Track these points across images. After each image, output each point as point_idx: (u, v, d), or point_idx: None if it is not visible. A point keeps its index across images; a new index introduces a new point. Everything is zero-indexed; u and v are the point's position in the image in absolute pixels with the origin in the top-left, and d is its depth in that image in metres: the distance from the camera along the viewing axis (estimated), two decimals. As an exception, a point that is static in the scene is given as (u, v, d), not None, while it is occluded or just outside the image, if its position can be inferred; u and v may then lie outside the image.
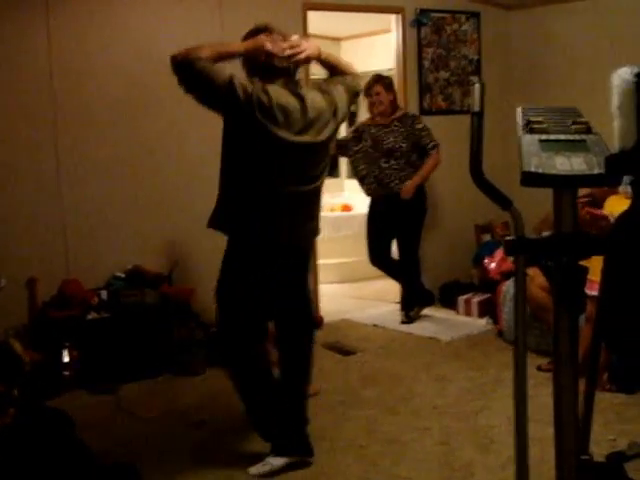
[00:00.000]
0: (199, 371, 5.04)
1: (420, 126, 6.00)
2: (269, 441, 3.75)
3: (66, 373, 4.78)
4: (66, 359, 4.78)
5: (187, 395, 4.72)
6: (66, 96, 5.12)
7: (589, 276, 4.09)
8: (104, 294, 5.07)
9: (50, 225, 5.12)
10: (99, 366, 4.84)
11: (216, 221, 3.71)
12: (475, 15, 6.92)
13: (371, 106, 6.07)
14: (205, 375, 5.03)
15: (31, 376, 3.93)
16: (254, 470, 3.63)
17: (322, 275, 6.36)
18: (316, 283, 6.13)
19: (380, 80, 6.07)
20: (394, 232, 6.17)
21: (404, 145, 5.93)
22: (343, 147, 6.25)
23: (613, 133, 2.42)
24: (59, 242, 5.14)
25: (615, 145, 2.42)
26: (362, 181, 6.14)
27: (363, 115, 6.81)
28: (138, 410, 4.45)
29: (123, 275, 5.19)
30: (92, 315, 4.93)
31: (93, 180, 5.24)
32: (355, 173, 6.27)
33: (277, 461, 3.65)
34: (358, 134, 6.16)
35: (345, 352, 5.48)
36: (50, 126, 5.08)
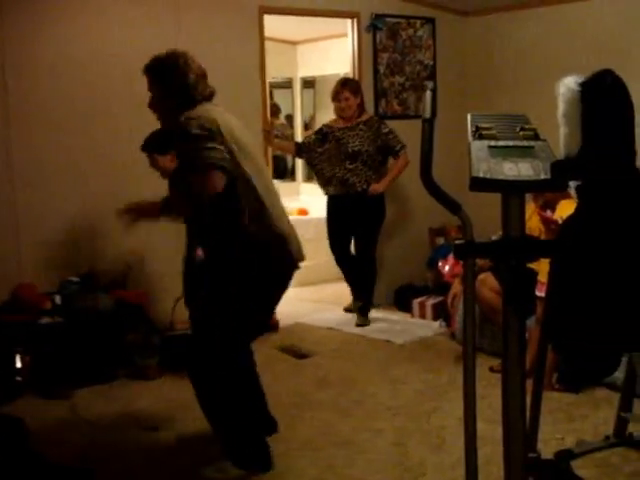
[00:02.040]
0: (153, 376, 5.02)
1: (387, 130, 6.06)
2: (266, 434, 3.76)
3: (19, 378, 4.73)
4: (19, 364, 4.73)
5: (141, 400, 4.70)
6: (19, 96, 5.08)
7: (539, 278, 4.16)
8: (58, 298, 5.03)
9: (3, 228, 5.07)
10: (53, 371, 4.79)
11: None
12: (430, 21, 6.99)
13: (340, 110, 6.10)
14: (159, 380, 5.01)
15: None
16: (208, 473, 3.61)
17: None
18: (272, 286, 6.15)
19: (348, 85, 6.10)
20: (353, 232, 6.22)
21: (370, 148, 5.98)
22: (305, 149, 6.27)
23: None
24: (12, 245, 5.10)
25: (561, 151, 2.49)
26: (326, 182, 6.16)
27: (325, 118, 6.83)
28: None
29: (77, 279, 5.15)
30: (45, 320, 4.88)
31: (47, 182, 5.21)
32: (318, 175, 6.28)
33: (234, 472, 3.59)
34: (322, 136, 6.18)
35: (300, 355, 5.50)
36: (2, 127, 5.03)
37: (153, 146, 4.58)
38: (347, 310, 6.54)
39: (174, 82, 3.46)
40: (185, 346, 5.01)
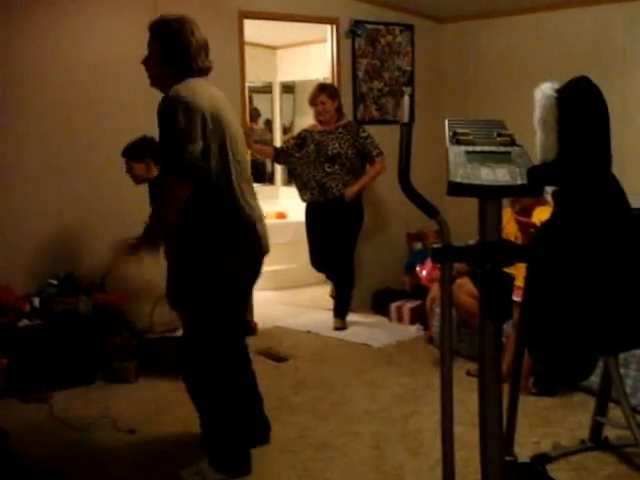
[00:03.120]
0: (132, 378, 5.01)
1: (365, 134, 6.10)
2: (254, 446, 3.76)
3: (-3, 381, 4.71)
4: (-4, 367, 4.72)
5: (119, 402, 4.68)
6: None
7: (516, 282, 4.19)
8: (36, 301, 5.01)
9: (-19, 231, 5.06)
10: (31, 374, 4.77)
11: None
12: (409, 27, 7.02)
13: (317, 115, 6.14)
14: (138, 383, 5.01)
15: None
16: (186, 475, 3.60)
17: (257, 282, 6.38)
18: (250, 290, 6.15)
19: (325, 89, 6.14)
20: (332, 237, 6.24)
21: (349, 152, 6.02)
22: (284, 154, 6.29)
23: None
24: (-10, 248, 5.09)
25: (537, 157, 2.51)
26: (304, 186, 6.18)
27: (304, 123, 6.86)
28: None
29: (56, 282, 5.14)
30: (24, 322, 4.85)
31: (26, 186, 5.20)
32: (296, 179, 6.30)
33: (213, 476, 3.57)
34: (301, 140, 6.21)
35: (278, 358, 5.51)
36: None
37: (131, 153, 4.61)
38: (333, 297, 6.51)
39: (175, 46, 3.41)
40: (165, 347, 5.08)
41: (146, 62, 3.52)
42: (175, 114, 3.24)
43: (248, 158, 3.73)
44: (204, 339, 3.53)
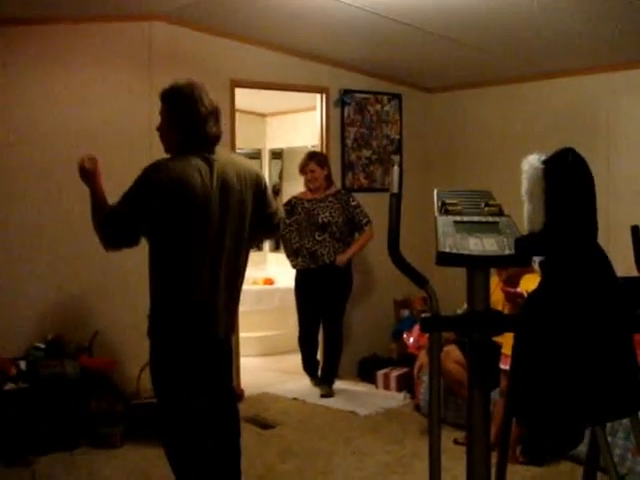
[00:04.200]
0: (117, 444, 4.97)
1: (354, 203, 6.18)
2: None
3: (-20, 445, 4.66)
4: (-20, 430, 4.67)
5: (104, 469, 4.64)
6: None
7: (503, 351, 4.20)
8: (23, 364, 4.98)
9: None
10: (15, 438, 4.71)
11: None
12: (397, 97, 7.14)
13: (307, 182, 6.22)
14: (123, 449, 4.96)
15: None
16: None
17: (243, 348, 6.36)
18: (237, 356, 6.13)
19: (314, 157, 6.24)
20: (322, 303, 6.26)
21: (339, 220, 6.09)
22: None
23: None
24: (-23, 311, 5.07)
25: (525, 227, 2.55)
26: (295, 254, 6.22)
27: (294, 189, 6.92)
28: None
29: (43, 345, 5.11)
30: (9, 386, 4.82)
31: (14, 249, 5.21)
32: (286, 246, 6.34)
33: None
34: (290, 207, 6.27)
35: (264, 426, 5.48)
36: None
37: None
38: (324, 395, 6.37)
39: (184, 112, 3.43)
40: (151, 414, 5.02)
41: (159, 129, 3.56)
42: (138, 179, 3.39)
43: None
44: (165, 412, 3.58)
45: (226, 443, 3.73)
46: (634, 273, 3.22)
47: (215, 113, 3.50)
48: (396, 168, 2.51)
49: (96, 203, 3.48)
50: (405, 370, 6.32)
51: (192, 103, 3.42)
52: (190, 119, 3.41)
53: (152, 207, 3.34)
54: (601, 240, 2.58)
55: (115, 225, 3.42)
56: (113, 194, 5.28)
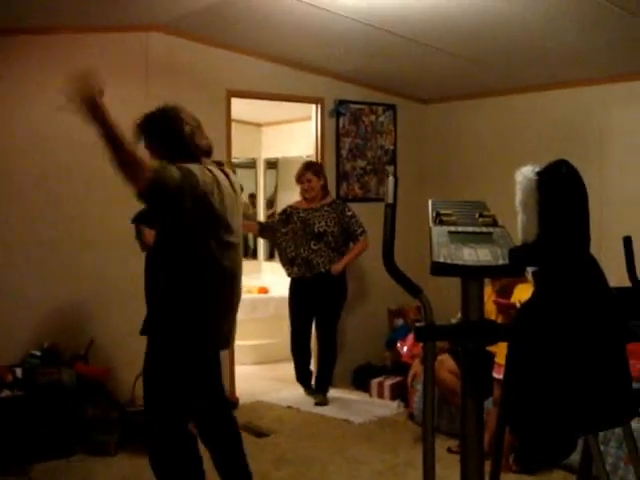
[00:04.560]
0: (112, 451, 4.98)
1: (350, 213, 6.22)
2: None
3: (-25, 453, 4.67)
4: (-24, 438, 4.68)
5: (99, 476, 4.66)
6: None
7: (497, 360, 4.23)
8: (19, 372, 5.00)
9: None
10: (11, 445, 4.73)
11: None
12: (391, 107, 7.19)
13: (303, 192, 6.27)
14: (118, 456, 4.97)
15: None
16: None
17: (238, 356, 6.39)
18: (232, 364, 6.16)
19: (311, 167, 6.28)
20: (315, 312, 6.30)
21: (335, 229, 6.14)
22: (268, 229, 6.40)
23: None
24: (-27, 319, 5.09)
25: (519, 238, 2.58)
26: (290, 263, 6.26)
27: (290, 199, 6.96)
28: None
29: (39, 353, 5.13)
30: (5, 393, 4.84)
31: (10, 257, 5.25)
32: (281, 255, 6.38)
33: None
34: (286, 216, 6.32)
35: (259, 434, 5.50)
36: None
37: (143, 218, 4.53)
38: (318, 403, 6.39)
39: (169, 138, 3.46)
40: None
41: (149, 150, 3.55)
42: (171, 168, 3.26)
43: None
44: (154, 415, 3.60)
45: (232, 448, 3.79)
46: (626, 283, 3.27)
47: (199, 126, 3.55)
48: (391, 178, 2.51)
49: (118, 138, 3.11)
50: (399, 379, 6.36)
51: (174, 126, 3.47)
52: (178, 140, 3.46)
53: (194, 196, 3.32)
54: (594, 250, 2.61)
55: (165, 179, 3.22)
56: (107, 204, 5.35)
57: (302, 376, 6.52)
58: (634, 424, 2.88)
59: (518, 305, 4.28)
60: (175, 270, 3.45)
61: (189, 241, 3.42)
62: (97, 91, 3.06)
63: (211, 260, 3.45)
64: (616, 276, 2.92)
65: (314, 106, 6.78)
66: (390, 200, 2.45)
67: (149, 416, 3.64)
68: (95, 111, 3.03)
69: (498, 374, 4.20)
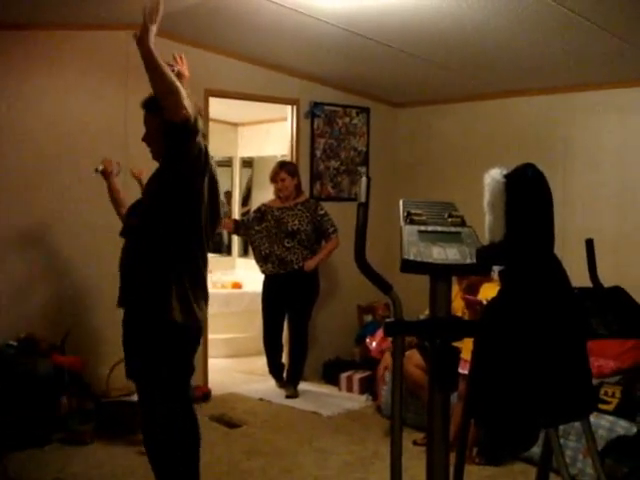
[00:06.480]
0: (88, 441, 5.03)
1: (322, 212, 6.33)
2: None
3: (-48, 441, 4.69)
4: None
5: (74, 465, 4.70)
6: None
7: (462, 355, 4.34)
8: (-5, 362, 5.04)
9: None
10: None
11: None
12: (365, 110, 7.33)
13: (277, 191, 6.36)
14: (94, 446, 5.02)
15: None
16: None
17: (211, 349, 6.49)
18: (205, 357, 6.28)
19: (285, 167, 6.38)
20: (287, 308, 6.43)
21: (308, 228, 6.24)
22: (243, 227, 6.51)
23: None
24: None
25: (486, 237, 2.68)
26: (265, 260, 6.34)
27: (264, 197, 7.08)
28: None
29: (15, 343, 5.17)
30: (-19, 383, 4.86)
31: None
32: (256, 252, 6.46)
33: None
34: (260, 214, 6.42)
35: (231, 425, 5.58)
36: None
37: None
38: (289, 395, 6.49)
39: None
40: (121, 411, 5.09)
41: (146, 139, 3.60)
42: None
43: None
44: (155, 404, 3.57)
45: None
46: (587, 284, 3.39)
47: (200, 112, 3.56)
48: (364, 178, 2.59)
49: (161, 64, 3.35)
50: (367, 373, 6.48)
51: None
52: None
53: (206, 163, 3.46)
54: (557, 251, 2.66)
55: (198, 128, 3.37)
56: (87, 197, 5.41)
57: (274, 369, 6.63)
58: (592, 418, 2.98)
59: (485, 302, 4.39)
60: (165, 238, 3.44)
61: (184, 209, 3.45)
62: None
63: (199, 235, 3.51)
64: (577, 276, 3.02)
65: (290, 107, 6.88)
66: (363, 200, 2.53)
67: (150, 399, 3.59)
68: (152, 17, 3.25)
69: (463, 369, 4.30)
